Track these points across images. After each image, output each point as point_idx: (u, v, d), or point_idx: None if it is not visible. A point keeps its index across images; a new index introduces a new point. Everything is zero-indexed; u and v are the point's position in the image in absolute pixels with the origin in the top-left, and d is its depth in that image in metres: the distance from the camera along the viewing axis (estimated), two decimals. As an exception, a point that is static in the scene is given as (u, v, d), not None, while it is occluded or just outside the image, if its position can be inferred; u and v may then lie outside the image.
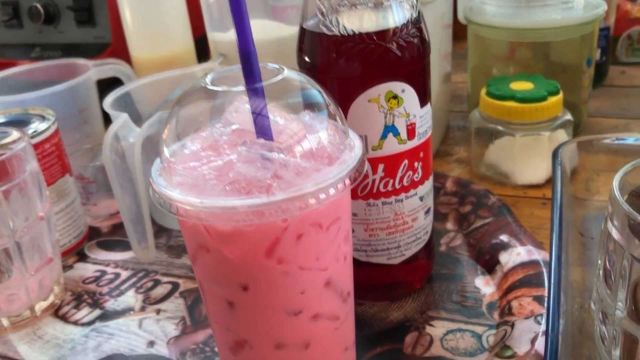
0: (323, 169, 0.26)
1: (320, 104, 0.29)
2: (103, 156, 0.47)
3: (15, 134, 0.45)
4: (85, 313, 0.46)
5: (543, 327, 0.36)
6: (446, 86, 0.69)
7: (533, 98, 0.54)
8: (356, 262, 0.42)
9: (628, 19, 0.84)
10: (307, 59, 0.37)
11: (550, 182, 0.58)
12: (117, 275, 0.50)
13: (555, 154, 0.48)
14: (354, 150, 0.28)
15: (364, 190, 0.39)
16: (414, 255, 0.42)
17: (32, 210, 0.44)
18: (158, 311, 0.45)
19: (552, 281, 0.33)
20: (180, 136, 0.29)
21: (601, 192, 0.55)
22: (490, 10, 0.64)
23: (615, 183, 0.28)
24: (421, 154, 0.39)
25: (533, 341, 0.35)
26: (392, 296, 0.43)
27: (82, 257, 0.53)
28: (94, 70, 0.65)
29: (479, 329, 0.40)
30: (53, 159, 0.50)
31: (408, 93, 0.37)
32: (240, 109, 0.29)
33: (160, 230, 0.56)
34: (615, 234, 0.27)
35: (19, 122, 0.50)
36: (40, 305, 0.46)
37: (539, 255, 0.43)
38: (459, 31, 1.00)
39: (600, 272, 0.30)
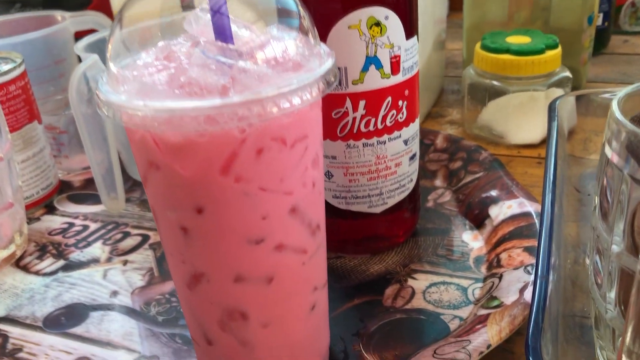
0: (287, 74, 0.23)
1: (292, 12, 0.26)
2: (70, 99, 0.44)
3: (-26, 70, 0.42)
4: (48, 264, 0.43)
5: (533, 277, 0.33)
6: (441, 53, 0.66)
7: (530, 51, 0.51)
8: (335, 211, 0.39)
9: (632, -13, 0.81)
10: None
11: (545, 142, 0.55)
12: (86, 227, 0.48)
13: (551, 107, 0.46)
14: (324, 60, 0.25)
15: (343, 129, 0.36)
16: (396, 204, 0.39)
17: (-10, 151, 0.41)
18: (125, 262, 0.43)
19: (545, 215, 0.30)
20: (130, 47, 0.26)
21: (599, 152, 0.52)
22: (487, -37, 0.61)
23: (615, 103, 0.25)
24: (406, 92, 0.36)
25: (522, 291, 0.33)
26: (374, 249, 0.41)
27: (51, 209, 0.51)
28: (70, 20, 0.61)
29: (464, 282, 0.37)
30: (19, 102, 0.47)
31: (392, 21, 0.34)
32: (201, 18, 0.26)
33: (134, 185, 0.53)
34: (614, 157, 0.24)
35: (-17, 63, 0.47)
36: (-1, 255, 0.43)
37: (531, 207, 0.40)
38: (456, 1, 0.97)
39: (597, 206, 0.27)
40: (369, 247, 0.41)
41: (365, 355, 0.32)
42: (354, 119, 0.36)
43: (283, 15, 0.26)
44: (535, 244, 0.36)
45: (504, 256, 0.37)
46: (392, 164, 0.38)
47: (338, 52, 0.34)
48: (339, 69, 0.34)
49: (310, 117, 0.25)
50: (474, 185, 0.45)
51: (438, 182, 0.49)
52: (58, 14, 0.64)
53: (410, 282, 0.38)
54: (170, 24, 0.28)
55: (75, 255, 0.44)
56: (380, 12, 0.33)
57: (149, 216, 0.48)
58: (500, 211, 0.41)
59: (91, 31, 0.63)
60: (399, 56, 0.35)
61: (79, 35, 0.51)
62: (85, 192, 0.53)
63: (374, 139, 0.36)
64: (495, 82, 0.53)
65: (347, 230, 0.40)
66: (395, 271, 0.39)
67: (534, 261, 0.35)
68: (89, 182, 0.54)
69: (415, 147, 0.39)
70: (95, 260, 0.43)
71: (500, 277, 0.35)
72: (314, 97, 0.23)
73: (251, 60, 0.23)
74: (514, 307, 0.31)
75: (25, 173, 0.49)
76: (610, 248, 0.25)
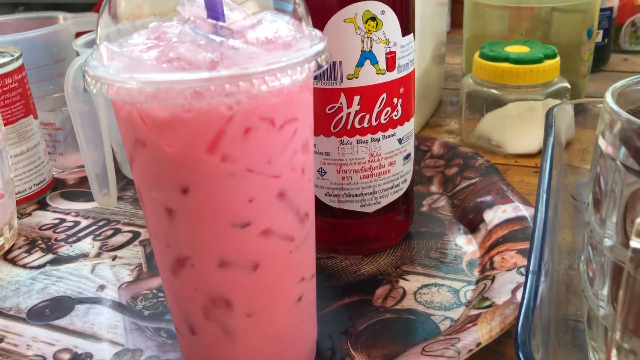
0: (276, 52, 0.23)
1: (287, -2, 0.26)
2: (65, 93, 0.44)
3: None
4: (36, 257, 0.43)
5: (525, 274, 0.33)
6: (440, 67, 0.66)
7: (528, 59, 0.51)
8: (327, 209, 0.39)
9: (632, 7, 0.81)
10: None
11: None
12: (77, 223, 0.47)
13: (548, 114, 0.45)
14: (316, 42, 0.25)
15: (337, 125, 0.36)
16: (390, 205, 0.39)
17: (-18, 141, 0.41)
18: (114, 257, 0.42)
19: (538, 213, 0.30)
20: (120, 28, 0.26)
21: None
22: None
23: (609, 94, 0.25)
24: (401, 90, 0.36)
25: (514, 291, 0.32)
26: (366, 250, 0.40)
27: (43, 205, 0.50)
28: (71, 21, 0.62)
29: (456, 284, 0.36)
30: (14, 96, 0.47)
31: (388, 16, 0.34)
32: (195, 1, 0.26)
33: (127, 184, 0.53)
34: (607, 148, 0.24)
35: (-19, 56, 0.47)
36: (-13, 247, 0.43)
37: (526, 211, 0.39)
38: (457, 18, 0.97)
39: (590, 201, 0.27)
40: (361, 248, 0.40)
41: (353, 353, 0.32)
42: (348, 114, 0.35)
43: (279, 0, 0.26)
44: (527, 247, 0.36)
45: (497, 259, 0.37)
46: (386, 163, 0.37)
47: (333, 46, 0.34)
48: (333, 63, 0.34)
49: (300, 100, 0.25)
50: (469, 191, 0.45)
51: (434, 187, 0.48)
52: (60, 15, 0.65)
53: (402, 282, 0.37)
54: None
55: (65, 249, 0.43)
56: (376, 7, 0.33)
57: (140, 214, 0.48)
58: (494, 215, 0.41)
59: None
60: (395, 52, 0.35)
61: (80, 36, 0.51)
62: (78, 189, 0.53)
63: (368, 136, 0.36)
64: (493, 91, 0.53)
65: (339, 230, 0.40)
66: (387, 272, 0.38)
67: (526, 263, 0.34)
68: (83, 180, 0.53)
69: (409, 147, 0.39)
70: (84, 255, 0.43)
71: (493, 279, 0.35)
72: (304, 77, 0.23)
73: (242, 39, 0.23)
74: (506, 307, 0.31)
75: (18, 168, 0.48)
76: (603, 242, 0.25)
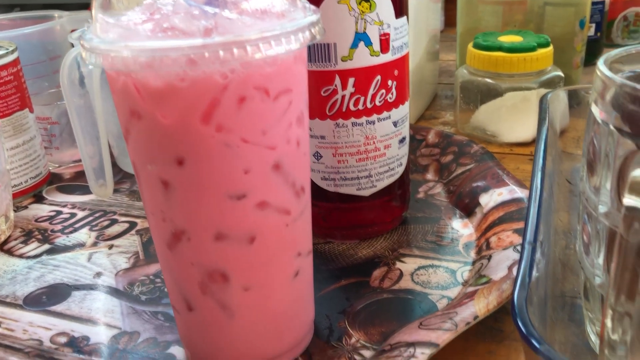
0: (270, 21, 0.23)
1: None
2: (61, 83, 0.44)
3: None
4: (32, 247, 0.43)
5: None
6: (434, 63, 0.67)
7: (522, 48, 0.51)
8: (324, 194, 0.39)
9: (624, 1, 0.82)
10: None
11: (538, 141, 0.55)
12: (73, 215, 0.47)
13: (542, 100, 0.46)
14: (309, 14, 0.25)
15: (332, 108, 0.36)
16: (386, 188, 0.39)
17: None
18: (110, 246, 0.42)
19: (533, 186, 0.30)
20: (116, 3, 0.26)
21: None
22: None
23: (601, 62, 0.25)
24: (396, 72, 0.36)
25: (511, 267, 0.32)
26: (362, 235, 0.40)
27: (39, 199, 0.50)
28: (66, 18, 0.62)
29: (453, 265, 0.37)
30: (10, 89, 0.47)
31: (381, -3, 0.34)
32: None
33: (124, 177, 0.53)
34: (600, 114, 0.24)
35: (-24, 49, 0.47)
36: (-16, 238, 0.43)
37: (522, 193, 0.39)
38: (451, 17, 0.98)
39: (584, 171, 0.27)
40: (358, 233, 0.40)
41: (351, 331, 0.32)
42: (343, 97, 0.36)
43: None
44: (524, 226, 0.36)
45: (493, 239, 0.37)
46: (382, 146, 0.38)
47: (327, 27, 0.34)
48: (327, 45, 0.34)
49: (295, 71, 0.25)
50: (464, 177, 0.45)
51: (429, 175, 0.48)
52: (56, 14, 0.65)
53: (399, 265, 0.37)
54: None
55: (61, 240, 0.43)
56: (370, -12, 0.33)
57: (137, 205, 0.48)
58: (490, 199, 0.41)
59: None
60: (389, 34, 0.35)
61: (76, 30, 0.51)
62: (75, 183, 0.53)
63: (363, 119, 0.36)
64: (487, 80, 0.53)
65: (335, 215, 0.40)
66: (384, 255, 0.38)
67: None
68: (80, 175, 0.53)
69: (405, 130, 0.39)
70: (80, 245, 0.43)
71: (490, 258, 0.35)
72: (298, 47, 0.23)
73: (236, 10, 0.23)
74: (502, 282, 0.31)
75: (14, 161, 0.48)
76: (598, 209, 0.25)
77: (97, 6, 0.25)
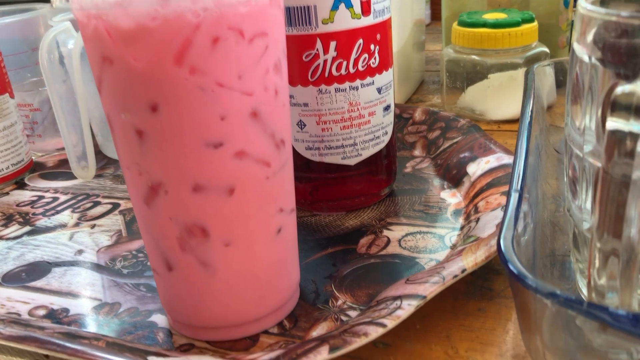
0: (243, -42, 0.23)
1: None
2: (41, 65, 0.44)
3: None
4: (13, 230, 0.42)
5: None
6: (420, 54, 0.67)
7: (506, 24, 0.51)
8: (309, 165, 0.38)
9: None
10: None
11: (526, 118, 0.54)
12: (55, 199, 0.46)
13: (528, 72, 0.45)
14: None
15: (314, 73, 0.35)
16: (371, 158, 0.38)
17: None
18: (93, 226, 0.41)
19: (520, 139, 0.30)
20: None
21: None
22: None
23: (581, 1, 0.25)
24: (378, 36, 0.36)
25: (499, 225, 0.31)
26: (349, 206, 0.40)
27: (21, 186, 0.49)
28: (48, 9, 0.61)
29: (441, 231, 0.36)
30: (-11, 72, 0.46)
31: (361, -43, 0.33)
32: None
33: (108, 163, 0.52)
34: (583, 50, 0.24)
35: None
36: (-37, 220, 0.42)
37: (509, 159, 0.39)
38: (437, 10, 0.98)
39: (569, 114, 0.26)
40: (344, 205, 0.39)
41: (337, 294, 0.31)
42: (325, 61, 0.35)
43: None
44: (513, 188, 0.35)
45: (481, 204, 0.36)
46: (366, 113, 0.37)
47: (307, -11, 0.33)
48: (307, 7, 0.34)
49: (270, 15, 0.24)
50: (452, 149, 0.44)
51: (417, 152, 0.48)
52: (37, 6, 0.64)
53: (386, 232, 0.36)
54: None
55: (42, 222, 0.43)
56: (348, -53, 0.33)
57: (121, 188, 0.47)
58: (478, 167, 0.40)
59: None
60: (369, -4, 0.35)
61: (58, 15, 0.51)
62: (58, 170, 0.52)
63: (347, 84, 0.36)
64: (473, 57, 0.53)
65: (321, 189, 0.39)
66: (371, 224, 0.38)
67: (511, 201, 0.34)
68: (64, 163, 0.53)
69: (389, 98, 0.39)
70: (62, 225, 0.42)
71: (478, 220, 0.34)
72: (273, -14, 0.23)
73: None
74: (491, 239, 0.30)
75: (-6, 146, 0.47)
76: (583, 149, 0.25)
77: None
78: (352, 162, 0.38)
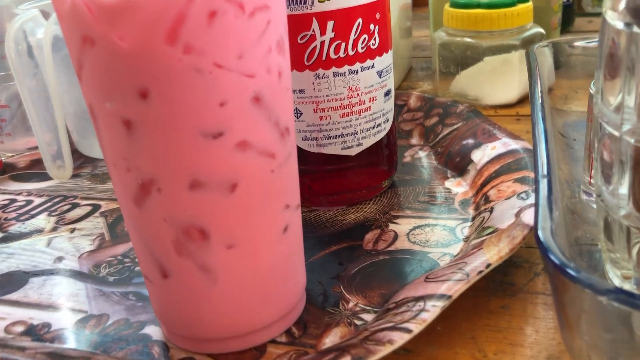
0: None
1: None
2: (7, 56, 0.40)
3: None
4: (-17, 237, 0.38)
5: (529, 201, 0.30)
6: (407, 40, 0.65)
7: (501, 4, 0.49)
8: (307, 157, 0.35)
9: (593, -31, 0.81)
10: None
11: (522, 101, 0.52)
12: (29, 202, 0.43)
13: (528, 52, 0.43)
14: None
15: (311, 56, 0.33)
16: (372, 147, 0.36)
17: None
18: (72, 230, 0.38)
19: (537, 129, 0.27)
20: None
21: (581, 100, 0.50)
22: None
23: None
24: (377, 15, 0.33)
25: (518, 214, 0.29)
26: (350, 200, 0.37)
27: (-10, 189, 0.46)
28: (12, 0, 0.57)
29: (451, 223, 0.34)
30: (-49, 67, 0.43)
31: None
32: None
33: (85, 162, 0.48)
34: (618, 19, 0.21)
35: None
36: None
37: (517, 145, 0.37)
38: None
39: (600, 91, 0.24)
40: (345, 198, 0.37)
41: (348, 296, 0.28)
42: (322, 43, 0.32)
43: None
44: (526, 174, 0.33)
45: (492, 192, 0.34)
46: (366, 99, 0.35)
47: (301, -36, 0.31)
48: (303, -16, 0.31)
49: (273, -14, 0.22)
50: (452, 136, 0.42)
51: (414, 140, 0.45)
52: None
53: (392, 226, 0.34)
54: None
55: (16, 227, 0.39)
56: None
57: (101, 188, 0.43)
58: (483, 154, 0.38)
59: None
60: (368, -28, 0.32)
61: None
62: (31, 171, 0.48)
63: (345, 68, 0.33)
64: (467, 39, 0.50)
65: (320, 182, 0.36)
66: (375, 218, 0.35)
67: (526, 188, 0.32)
68: (36, 163, 0.49)
69: (390, 82, 0.36)
70: (38, 231, 0.38)
71: (492, 210, 0.32)
72: (276, -48, 0.20)
73: None
74: (512, 229, 0.28)
75: (-41, 147, 0.44)
76: (621, 128, 0.22)
77: None
78: (352, 152, 0.35)
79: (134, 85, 0.20)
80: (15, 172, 0.48)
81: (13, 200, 0.43)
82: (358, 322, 0.26)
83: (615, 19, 0.22)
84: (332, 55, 0.33)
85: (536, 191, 0.24)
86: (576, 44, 0.48)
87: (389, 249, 0.32)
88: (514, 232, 0.27)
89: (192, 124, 0.21)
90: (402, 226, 0.34)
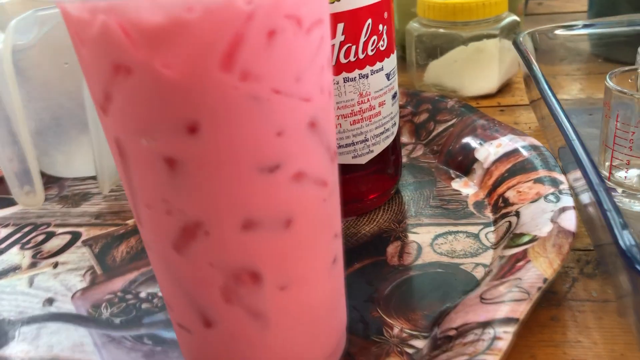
0: None
1: None
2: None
3: None
4: (-50, 281, 0.34)
5: (561, 204, 0.29)
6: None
7: (479, -7, 0.48)
8: (314, 167, 0.33)
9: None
10: None
11: (502, 90, 0.52)
12: (-6, 234, 0.38)
13: (517, 43, 0.43)
14: None
15: (320, 62, 0.30)
16: (381, 154, 0.34)
17: None
18: (55, 264, 0.34)
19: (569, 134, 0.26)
20: None
21: (562, 87, 0.50)
22: None
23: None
24: (385, 15, 0.31)
25: (554, 220, 0.28)
26: (359, 209, 0.35)
27: (-57, 221, 0.40)
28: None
29: (473, 229, 0.32)
30: None
31: None
32: None
33: (49, 182, 0.44)
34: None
35: None
36: None
37: (524, 142, 0.36)
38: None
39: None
40: (355, 208, 0.35)
41: (389, 321, 0.27)
42: (332, 47, 0.30)
43: None
44: (544, 174, 0.32)
45: (511, 194, 0.33)
46: (376, 103, 0.33)
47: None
48: (312, -15, 0.28)
49: (326, -3, 0.19)
50: (449, 134, 0.41)
51: (405, 138, 0.44)
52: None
53: (412, 237, 0.32)
54: None
55: (-14, 266, 0.35)
56: None
57: (75, 212, 0.39)
58: (489, 152, 0.37)
59: None
60: (378, -31, 0.30)
61: None
62: (-14, 197, 0.43)
63: (356, 72, 0.31)
64: (446, 31, 0.49)
65: (328, 189, 0.34)
66: (391, 228, 0.33)
67: (552, 190, 0.31)
68: (-10, 186, 0.44)
69: (396, 84, 0.34)
70: (15, 268, 0.34)
71: (518, 214, 0.31)
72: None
73: None
74: (554, 237, 0.27)
75: None
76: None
77: None
78: (363, 160, 0.33)
79: (180, 119, 0.17)
80: (-32, 198, 0.43)
81: (-26, 234, 0.38)
82: (410, 351, 0.25)
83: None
84: (342, 60, 0.30)
85: (598, 200, 0.23)
86: (557, 32, 0.48)
87: (417, 262, 0.30)
88: (557, 240, 0.26)
89: (247, 159, 0.18)
90: (422, 236, 0.32)
